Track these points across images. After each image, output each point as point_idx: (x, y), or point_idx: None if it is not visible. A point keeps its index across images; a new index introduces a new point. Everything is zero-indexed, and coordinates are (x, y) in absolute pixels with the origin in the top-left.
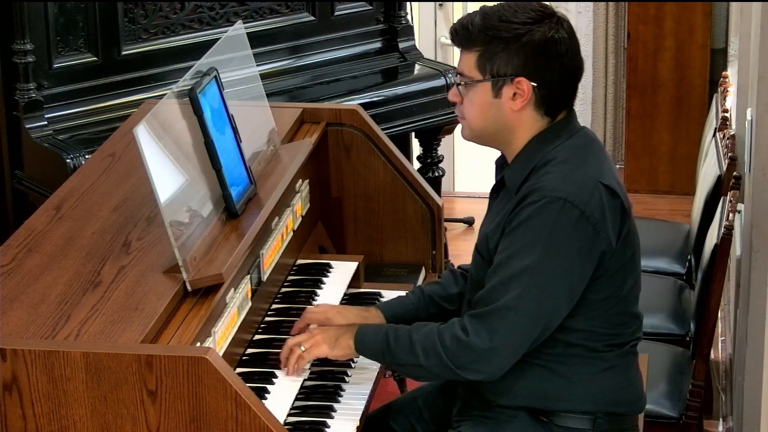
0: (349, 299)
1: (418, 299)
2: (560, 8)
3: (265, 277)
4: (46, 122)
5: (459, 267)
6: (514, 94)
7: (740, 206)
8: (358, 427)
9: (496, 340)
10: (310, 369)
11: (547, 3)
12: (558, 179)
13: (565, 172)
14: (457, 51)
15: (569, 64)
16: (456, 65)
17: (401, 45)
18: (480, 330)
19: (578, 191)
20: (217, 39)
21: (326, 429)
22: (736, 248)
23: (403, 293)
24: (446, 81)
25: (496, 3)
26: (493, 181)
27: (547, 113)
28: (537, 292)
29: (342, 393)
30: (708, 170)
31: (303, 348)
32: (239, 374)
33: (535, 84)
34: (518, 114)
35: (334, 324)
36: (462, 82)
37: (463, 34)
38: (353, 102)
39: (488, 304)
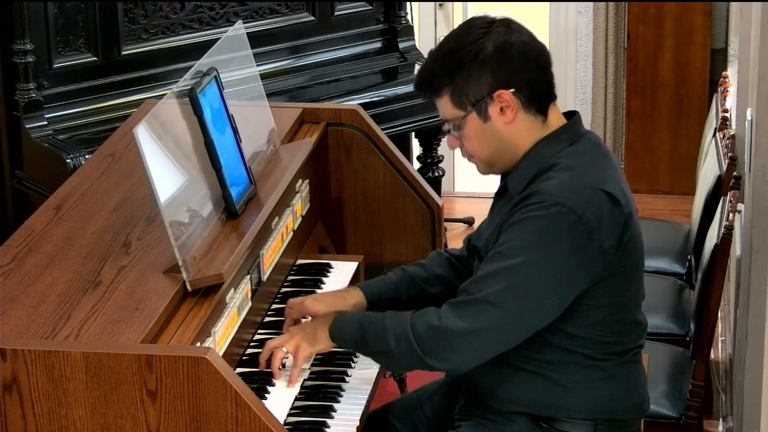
0: None
1: (399, 279)
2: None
3: (265, 277)
4: (46, 122)
5: (446, 251)
6: (501, 108)
7: (740, 206)
8: (358, 427)
9: (469, 328)
10: (310, 369)
11: (546, 3)
12: (559, 185)
13: (566, 178)
14: None
15: (532, 56)
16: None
17: (401, 45)
18: (456, 316)
19: (577, 197)
20: (217, 39)
21: (326, 429)
22: (736, 248)
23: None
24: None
25: (440, 41)
26: (493, 181)
27: (539, 111)
28: (519, 292)
29: (342, 393)
30: (708, 170)
31: (285, 349)
32: (239, 374)
33: (514, 89)
34: (513, 125)
35: (312, 311)
36: (451, 127)
37: (426, 85)
38: (353, 102)
39: (470, 294)
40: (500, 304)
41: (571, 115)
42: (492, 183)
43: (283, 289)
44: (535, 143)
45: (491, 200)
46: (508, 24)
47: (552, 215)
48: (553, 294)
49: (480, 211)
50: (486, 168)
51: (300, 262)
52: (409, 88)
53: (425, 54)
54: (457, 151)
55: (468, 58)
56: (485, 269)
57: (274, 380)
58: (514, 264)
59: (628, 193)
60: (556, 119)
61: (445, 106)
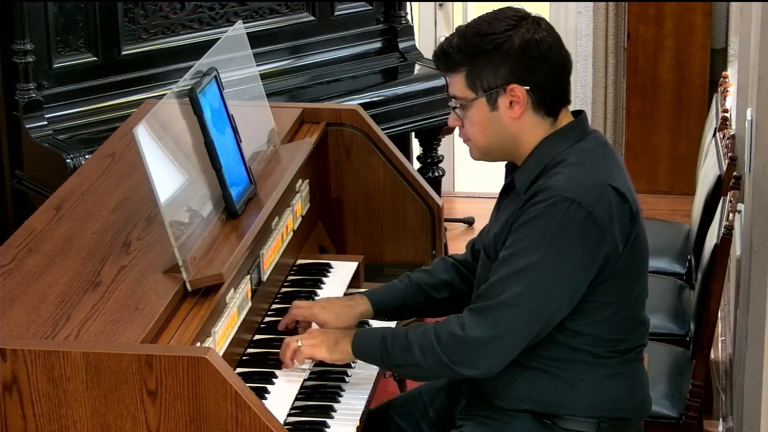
0: None
1: (406, 286)
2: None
3: (265, 277)
4: (46, 122)
5: (450, 256)
6: (511, 102)
7: (740, 206)
8: (358, 427)
9: (493, 334)
10: (310, 369)
11: (546, 3)
12: (567, 180)
13: (575, 173)
14: None
15: (555, 61)
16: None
17: (401, 45)
18: (478, 323)
19: (587, 192)
20: (217, 39)
21: (326, 429)
22: (736, 248)
23: None
24: (446, 81)
25: (471, 20)
26: (493, 181)
27: (548, 113)
28: (538, 290)
29: (342, 393)
30: (708, 170)
31: (300, 343)
32: (239, 374)
33: (528, 87)
34: (519, 121)
35: (319, 319)
36: (457, 105)
37: (444, 59)
38: (353, 102)
39: (489, 298)
40: (520, 305)
41: (578, 114)
42: (492, 183)
43: (283, 289)
44: (542, 140)
45: (491, 200)
46: (539, 23)
47: (562, 212)
48: (568, 289)
49: (480, 211)
50: (480, 155)
51: (300, 262)
52: (409, 88)
53: (425, 54)
54: (458, 151)
55: (491, 47)
56: (501, 272)
57: (275, 380)
58: (529, 263)
59: (634, 191)
60: (565, 120)
61: (457, 84)
